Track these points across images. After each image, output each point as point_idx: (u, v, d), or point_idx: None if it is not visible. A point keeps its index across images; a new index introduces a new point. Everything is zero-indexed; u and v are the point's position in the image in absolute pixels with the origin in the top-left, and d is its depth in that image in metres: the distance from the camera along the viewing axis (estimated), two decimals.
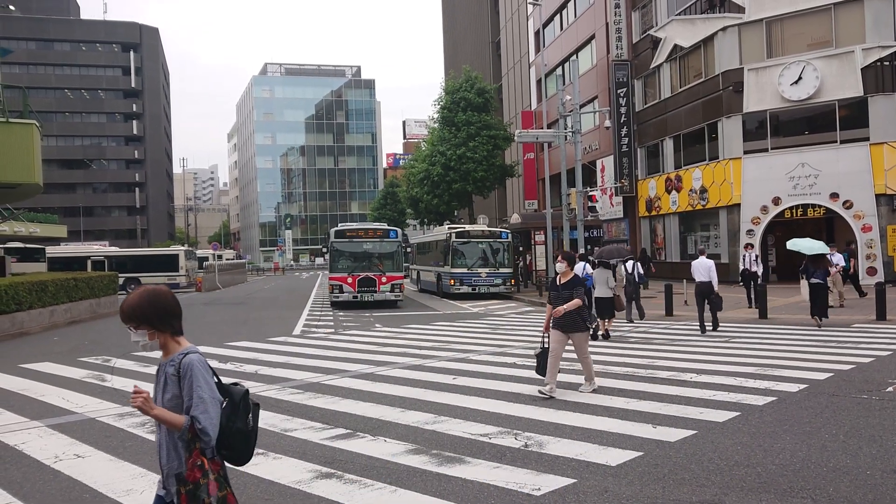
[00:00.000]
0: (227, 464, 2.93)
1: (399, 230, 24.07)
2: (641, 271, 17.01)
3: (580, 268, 16.71)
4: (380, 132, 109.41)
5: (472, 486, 4.90)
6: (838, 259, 16.85)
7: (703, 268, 13.77)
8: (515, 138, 27.63)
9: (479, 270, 25.41)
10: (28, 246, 35.45)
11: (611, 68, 32.85)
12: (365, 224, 28.02)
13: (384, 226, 25.03)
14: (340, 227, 24.31)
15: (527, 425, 6.55)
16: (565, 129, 23.59)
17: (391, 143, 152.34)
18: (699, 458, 5.43)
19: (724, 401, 7.37)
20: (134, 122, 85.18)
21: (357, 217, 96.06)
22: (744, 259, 18.96)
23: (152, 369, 10.67)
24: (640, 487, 4.78)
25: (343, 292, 22.59)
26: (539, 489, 4.78)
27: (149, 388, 3.13)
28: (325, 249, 24.26)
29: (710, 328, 13.60)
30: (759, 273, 18.35)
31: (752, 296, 17.86)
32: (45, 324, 18.59)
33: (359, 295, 22.58)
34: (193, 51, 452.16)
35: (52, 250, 40.95)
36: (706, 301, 13.62)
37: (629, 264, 16.36)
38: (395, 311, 21.64)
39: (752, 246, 20.16)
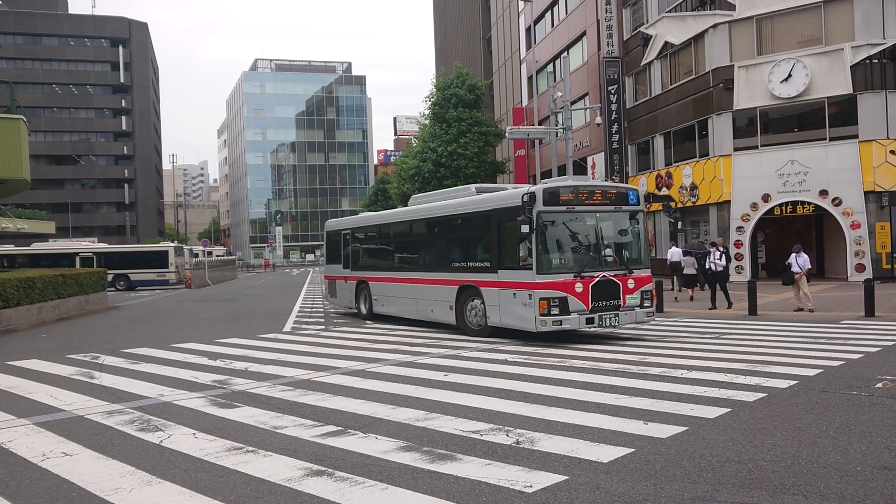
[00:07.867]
0: None
1: (638, 189, 12.99)
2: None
3: (677, 252, 22.82)
4: (370, 129, 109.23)
5: (463, 483, 4.88)
6: (804, 260, 15.66)
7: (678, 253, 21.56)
8: (506, 135, 27.63)
9: None
10: None
11: (602, 65, 32.88)
12: (590, 181, 15.21)
13: (615, 184, 15.23)
14: (551, 183, 12.52)
15: (518, 422, 6.53)
16: (556, 125, 23.57)
17: (382, 140, 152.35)
18: (691, 454, 5.43)
19: (714, 397, 7.38)
20: (123, 117, 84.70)
21: (348, 213, 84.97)
22: (708, 257, 17.48)
23: (141, 366, 10.61)
24: (632, 484, 4.77)
25: (568, 312, 11.44)
26: (531, 486, 4.76)
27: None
28: (524, 229, 11.20)
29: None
30: (724, 270, 17.03)
31: (726, 295, 17.05)
32: (33, 321, 18.44)
33: (594, 316, 11.67)
34: (183, 47, 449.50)
35: (39, 246, 40.74)
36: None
37: None
38: None
39: (720, 244, 18.28)
